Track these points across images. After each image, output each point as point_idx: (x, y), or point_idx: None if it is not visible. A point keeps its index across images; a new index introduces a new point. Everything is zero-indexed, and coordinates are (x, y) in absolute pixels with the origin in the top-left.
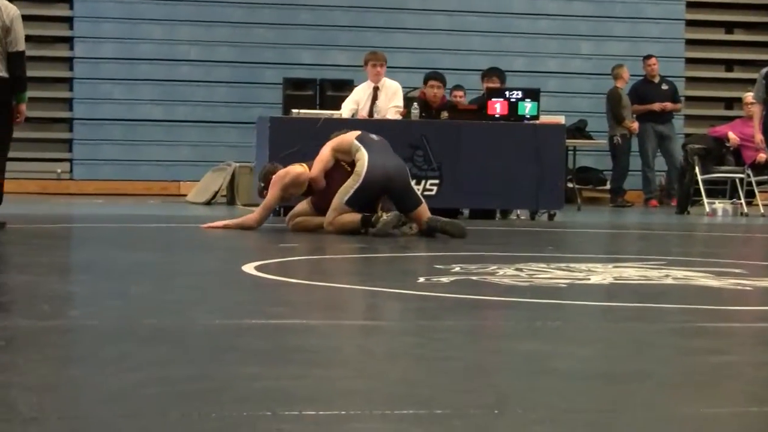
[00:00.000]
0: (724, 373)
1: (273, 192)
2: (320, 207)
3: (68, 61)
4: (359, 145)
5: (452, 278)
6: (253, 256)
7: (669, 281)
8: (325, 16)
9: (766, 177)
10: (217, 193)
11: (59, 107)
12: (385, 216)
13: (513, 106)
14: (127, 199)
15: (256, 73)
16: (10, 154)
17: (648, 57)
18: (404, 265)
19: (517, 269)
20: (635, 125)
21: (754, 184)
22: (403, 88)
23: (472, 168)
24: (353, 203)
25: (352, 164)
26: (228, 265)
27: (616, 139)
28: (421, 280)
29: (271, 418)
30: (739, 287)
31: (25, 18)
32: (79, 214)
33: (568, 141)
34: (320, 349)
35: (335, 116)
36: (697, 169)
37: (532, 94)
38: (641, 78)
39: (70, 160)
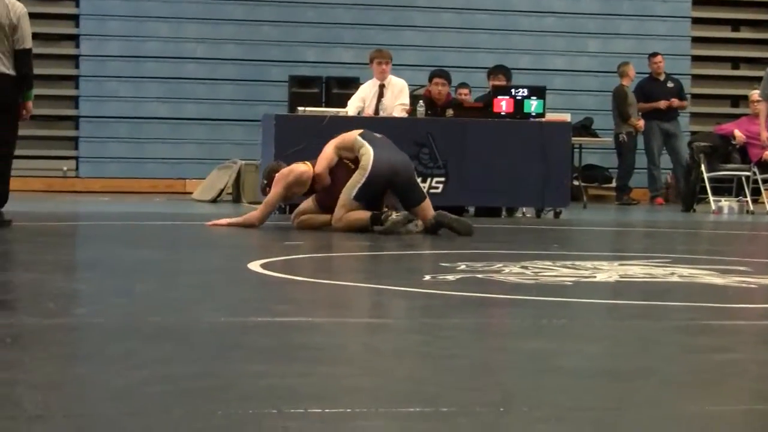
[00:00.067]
0: (729, 370)
1: (276, 189)
2: (325, 205)
3: (74, 59)
4: (363, 141)
5: (458, 276)
6: (259, 253)
7: (674, 279)
8: (331, 14)
9: None
10: (222, 190)
11: (65, 105)
12: (394, 215)
13: (519, 104)
14: (133, 197)
15: (261, 70)
16: (16, 152)
17: (654, 54)
18: (410, 262)
19: (522, 267)
20: (641, 123)
21: (760, 182)
22: (409, 85)
23: (478, 166)
24: (360, 198)
25: (356, 161)
26: (233, 263)
27: (622, 136)
28: (427, 277)
29: (276, 415)
30: (744, 285)
31: (32, 15)
32: (85, 211)
33: (573, 139)
34: (326, 347)
35: (341, 114)
36: (702, 167)
37: (538, 91)
38: (647, 75)
39: (76, 158)
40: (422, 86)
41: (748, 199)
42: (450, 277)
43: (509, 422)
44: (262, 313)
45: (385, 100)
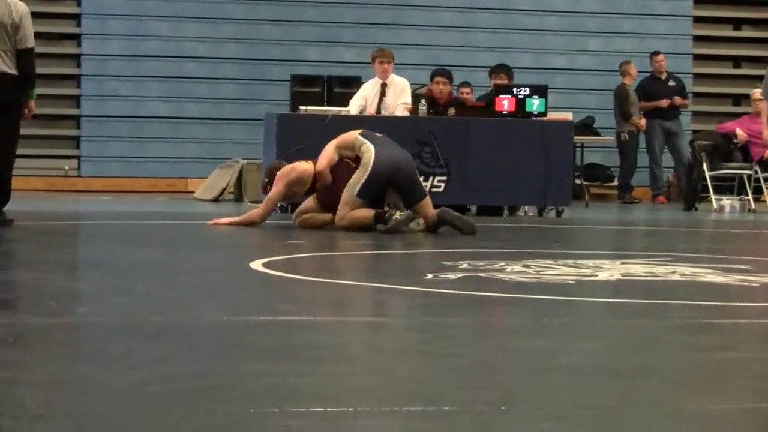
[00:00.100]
0: (731, 369)
1: (277, 187)
2: (326, 204)
3: (76, 58)
4: (363, 140)
5: (460, 275)
6: (260, 252)
7: (676, 278)
8: (332, 13)
9: None
10: (224, 190)
11: (67, 104)
12: (398, 214)
13: (520, 103)
14: (134, 196)
15: (263, 70)
16: (18, 151)
17: (655, 53)
18: (411, 261)
19: (524, 266)
20: (643, 122)
21: (761, 181)
22: (410, 84)
23: (480, 165)
24: (363, 195)
25: (356, 160)
26: (235, 262)
27: (624, 135)
28: (429, 276)
29: (278, 414)
30: (745, 283)
31: (33, 15)
32: (86, 211)
33: (575, 138)
34: (327, 346)
35: (343, 113)
36: (704, 166)
37: (540, 90)
38: (648, 74)
39: (78, 157)
40: (424, 85)
41: (750, 197)
42: (452, 276)
43: (510, 421)
44: (263, 312)
45: (387, 99)
